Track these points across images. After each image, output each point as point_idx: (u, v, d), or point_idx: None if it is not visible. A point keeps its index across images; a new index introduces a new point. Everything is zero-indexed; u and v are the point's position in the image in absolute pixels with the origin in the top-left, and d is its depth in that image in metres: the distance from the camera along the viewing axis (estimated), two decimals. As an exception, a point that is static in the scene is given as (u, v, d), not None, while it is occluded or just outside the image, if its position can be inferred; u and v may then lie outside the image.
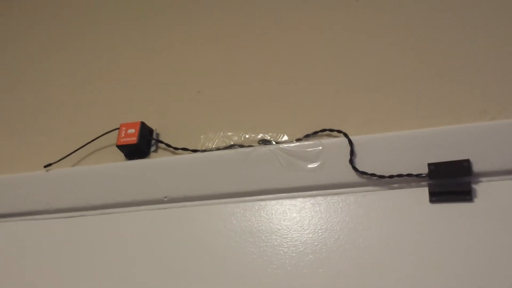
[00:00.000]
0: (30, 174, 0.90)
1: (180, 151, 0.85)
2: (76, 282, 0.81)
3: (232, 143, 0.83)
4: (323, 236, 0.72)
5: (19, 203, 0.89)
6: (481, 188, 0.69)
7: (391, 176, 0.71)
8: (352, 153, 0.74)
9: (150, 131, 0.88)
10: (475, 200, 0.68)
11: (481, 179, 0.69)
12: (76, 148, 0.89)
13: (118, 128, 0.86)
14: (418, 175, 0.70)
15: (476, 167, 0.69)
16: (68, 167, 0.90)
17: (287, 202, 0.77)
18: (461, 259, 0.66)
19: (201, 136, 0.85)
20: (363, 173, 0.72)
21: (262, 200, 0.78)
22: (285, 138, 0.81)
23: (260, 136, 0.82)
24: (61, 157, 0.89)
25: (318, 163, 0.75)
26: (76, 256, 0.83)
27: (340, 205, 0.74)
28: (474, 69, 0.77)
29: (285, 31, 0.91)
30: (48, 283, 0.82)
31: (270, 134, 0.82)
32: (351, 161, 0.73)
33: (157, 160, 0.84)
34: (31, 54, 1.10)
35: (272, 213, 0.77)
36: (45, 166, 0.89)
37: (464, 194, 0.68)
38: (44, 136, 0.97)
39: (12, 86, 1.07)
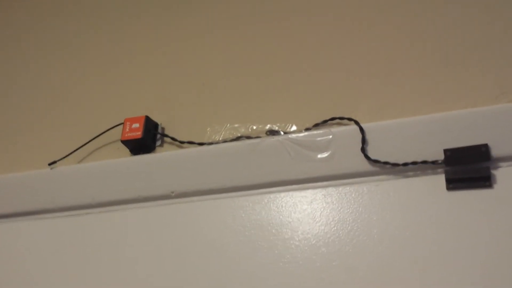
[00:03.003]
0: (35, 172, 0.89)
1: (186, 144, 0.83)
2: (82, 280, 0.80)
3: (239, 135, 0.81)
4: (335, 228, 0.70)
5: (24, 202, 0.88)
6: (501, 173, 0.66)
7: (405, 164, 0.69)
8: (363, 141, 0.71)
9: (155, 125, 0.87)
10: (495, 186, 0.66)
11: (500, 164, 0.67)
12: (80, 145, 0.88)
13: (122, 123, 0.85)
14: (433, 162, 0.68)
15: (495, 152, 0.66)
16: (73, 164, 0.89)
17: (297, 194, 0.75)
18: (481, 248, 0.63)
19: (207, 129, 0.84)
20: (376, 161, 0.70)
21: (271, 192, 0.76)
22: (294, 128, 0.79)
23: (267, 126, 0.80)
24: (65, 154, 0.88)
25: (329, 153, 0.73)
26: (82, 254, 0.82)
27: (353, 195, 0.72)
28: (490, 50, 0.74)
29: (291, 19, 0.90)
30: (55, 282, 0.81)
31: (278, 124, 0.80)
32: (363, 150, 0.71)
33: (163, 155, 0.83)
34: (33, 50, 1.09)
35: (282, 206, 0.75)
36: (49, 164, 0.88)
37: (483, 180, 0.66)
38: (48, 134, 0.96)
39: (14, 83, 1.06)
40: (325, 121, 0.76)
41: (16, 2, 1.18)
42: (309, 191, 0.74)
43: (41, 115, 0.99)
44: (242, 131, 0.82)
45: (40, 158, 0.90)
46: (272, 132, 0.79)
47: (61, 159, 0.88)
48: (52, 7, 1.14)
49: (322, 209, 0.72)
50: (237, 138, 0.80)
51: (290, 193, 0.75)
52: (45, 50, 1.08)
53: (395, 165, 0.69)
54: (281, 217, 0.74)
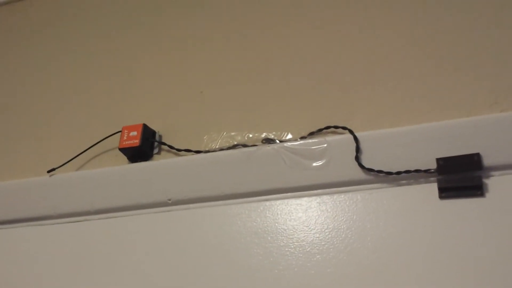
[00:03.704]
0: (34, 179, 0.90)
1: (183, 152, 0.84)
2: (81, 286, 0.80)
3: (235, 143, 0.82)
4: (330, 235, 0.71)
5: (24, 209, 0.89)
6: (492, 182, 0.67)
7: (398, 173, 0.69)
8: (358, 149, 0.72)
9: (153, 133, 0.87)
10: (486, 195, 0.66)
11: (492, 173, 0.67)
12: (79, 152, 0.89)
13: (120, 131, 0.86)
14: (426, 171, 0.68)
15: (487, 161, 0.67)
16: (72, 171, 0.90)
17: (292, 201, 0.75)
18: (473, 256, 0.64)
19: (204, 137, 0.85)
20: (370, 170, 0.71)
21: (267, 200, 0.77)
22: (289, 136, 0.79)
23: (263, 135, 0.81)
24: (64, 162, 0.89)
25: (324, 161, 0.74)
26: (81, 260, 0.82)
27: (347, 203, 0.72)
28: (484, 59, 0.74)
29: (287, 29, 0.90)
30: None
31: (273, 132, 0.81)
32: (357, 158, 0.72)
33: (160, 162, 0.83)
34: (32, 59, 1.10)
35: (277, 213, 0.75)
36: (48, 171, 0.89)
37: (475, 189, 0.66)
38: (47, 141, 0.97)
39: (13, 91, 1.07)
40: (320, 130, 0.77)
41: (13, 12, 1.19)
42: (304, 199, 0.75)
43: (40, 123, 1.00)
44: (239, 139, 0.82)
45: (39, 165, 0.91)
46: (268, 140, 0.80)
47: (60, 166, 0.88)
48: (49, 16, 1.14)
49: (317, 217, 0.73)
50: (234, 146, 0.81)
51: (286, 200, 0.76)
52: (43, 58, 1.09)
53: (388, 173, 0.70)
54: (276, 224, 0.75)
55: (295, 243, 0.72)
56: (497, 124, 0.68)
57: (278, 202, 0.76)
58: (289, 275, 0.70)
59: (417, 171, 0.69)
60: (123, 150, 0.84)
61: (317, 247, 0.71)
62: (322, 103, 0.80)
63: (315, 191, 0.74)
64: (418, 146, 0.70)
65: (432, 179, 0.69)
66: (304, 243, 0.72)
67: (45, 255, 0.85)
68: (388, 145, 0.71)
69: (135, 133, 0.84)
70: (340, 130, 0.76)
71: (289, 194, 0.76)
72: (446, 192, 0.68)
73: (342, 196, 0.73)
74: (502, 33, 0.76)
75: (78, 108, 0.98)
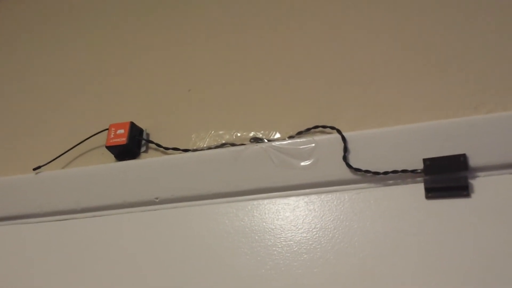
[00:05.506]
0: (20, 177, 0.89)
1: (171, 151, 0.84)
2: (66, 285, 0.79)
3: (223, 141, 0.82)
4: (317, 235, 0.71)
5: (9, 207, 0.88)
6: (478, 183, 0.67)
7: (385, 173, 0.70)
8: (345, 149, 0.72)
9: (140, 131, 0.87)
10: (472, 195, 0.67)
11: (478, 173, 0.68)
12: (65, 150, 0.88)
13: (107, 129, 0.85)
14: (413, 171, 0.69)
15: (473, 162, 0.67)
16: (58, 169, 0.89)
17: (280, 201, 0.75)
18: (459, 256, 0.64)
19: (192, 135, 0.84)
20: (357, 169, 0.71)
21: (254, 199, 0.77)
22: (277, 135, 0.80)
23: (251, 134, 0.81)
24: (50, 160, 0.88)
25: (311, 161, 0.74)
26: (67, 259, 0.82)
27: (334, 203, 0.72)
28: (470, 61, 0.75)
29: (275, 28, 0.90)
30: (38, 286, 0.81)
31: (262, 132, 0.81)
32: (345, 158, 0.72)
33: (148, 161, 0.83)
34: (18, 57, 1.09)
35: (265, 213, 0.75)
36: (34, 169, 0.88)
37: (461, 189, 0.67)
38: (33, 139, 0.96)
39: (-1, 88, 1.06)
40: (308, 129, 0.77)
41: (4, 9, 1.17)
42: (292, 198, 0.75)
43: (27, 120, 0.99)
44: (227, 138, 0.82)
45: (24, 163, 0.90)
46: (256, 140, 0.79)
47: (45, 164, 0.88)
48: (36, 14, 1.13)
49: (304, 216, 0.73)
50: (222, 145, 0.81)
51: (273, 200, 0.76)
52: (30, 56, 1.08)
53: (376, 173, 0.70)
54: (264, 223, 0.75)
55: (283, 243, 0.72)
56: (483, 125, 0.68)
57: (265, 201, 0.76)
58: (276, 274, 0.70)
59: (404, 171, 0.69)
60: (110, 148, 0.84)
61: (304, 247, 0.71)
62: (311, 102, 0.80)
63: (303, 191, 0.74)
64: (405, 146, 0.70)
65: (418, 179, 0.69)
66: (291, 242, 0.72)
67: (31, 254, 0.84)
68: (376, 145, 0.72)
69: (122, 131, 0.83)
70: (328, 129, 0.76)
71: (276, 193, 0.76)
72: (432, 192, 0.68)
73: (330, 195, 0.73)
74: (488, 35, 0.76)
75: (65, 106, 0.97)
